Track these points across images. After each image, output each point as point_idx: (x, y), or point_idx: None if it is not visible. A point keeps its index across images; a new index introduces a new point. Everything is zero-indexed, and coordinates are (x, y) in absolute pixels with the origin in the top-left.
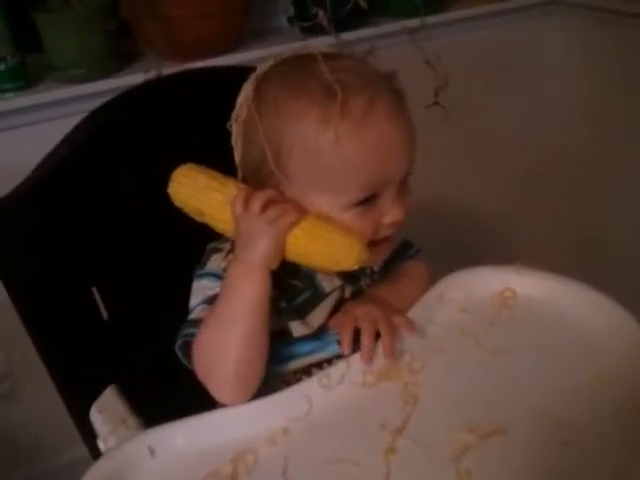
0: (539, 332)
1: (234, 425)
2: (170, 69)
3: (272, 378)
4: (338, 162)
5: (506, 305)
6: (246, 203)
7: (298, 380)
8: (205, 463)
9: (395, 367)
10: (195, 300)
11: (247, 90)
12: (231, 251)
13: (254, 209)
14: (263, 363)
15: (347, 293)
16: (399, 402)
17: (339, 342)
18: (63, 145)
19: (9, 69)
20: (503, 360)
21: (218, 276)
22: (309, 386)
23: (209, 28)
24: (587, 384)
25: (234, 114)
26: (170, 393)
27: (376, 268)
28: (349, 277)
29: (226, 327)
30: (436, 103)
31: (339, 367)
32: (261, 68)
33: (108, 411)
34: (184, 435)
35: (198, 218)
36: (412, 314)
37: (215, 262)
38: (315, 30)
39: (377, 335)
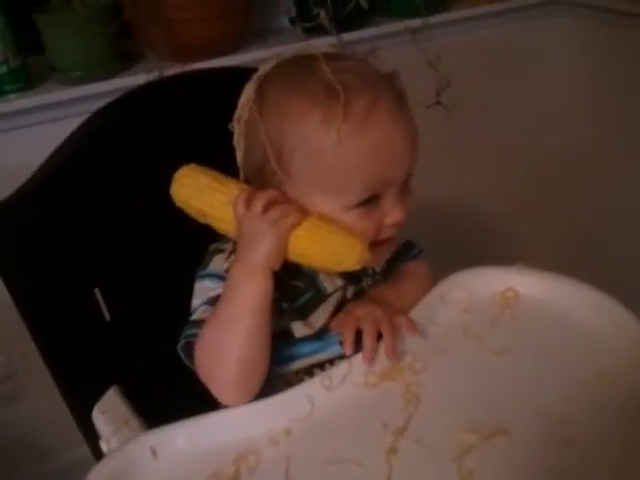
0: (541, 332)
1: (236, 426)
2: (171, 70)
3: (274, 379)
4: (340, 163)
5: (508, 305)
6: (248, 204)
7: (300, 381)
8: (207, 464)
9: (397, 367)
10: (197, 301)
11: (249, 91)
12: (233, 252)
13: (256, 210)
14: (265, 364)
15: (349, 293)
16: (401, 402)
17: (341, 343)
18: (66, 146)
19: (11, 70)
20: (505, 360)
21: (220, 277)
22: (311, 387)
23: (210, 30)
24: (589, 383)
25: (236, 115)
26: (172, 394)
27: (378, 268)
28: (351, 277)
29: (228, 328)
30: (438, 103)
31: (341, 367)
32: (263, 69)
33: (110, 412)
34: (186, 436)
35: (200, 219)
36: (414, 314)
37: (217, 263)
38: (317, 30)
39: (379, 336)
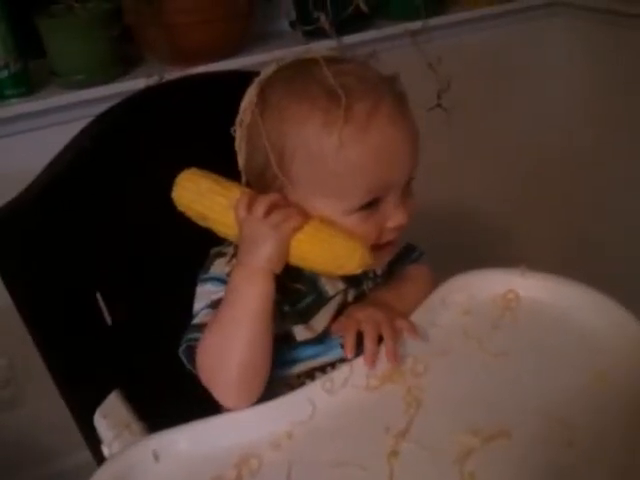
0: (542, 334)
1: (238, 429)
2: (172, 74)
3: (276, 382)
4: (342, 166)
5: (509, 307)
6: (250, 207)
7: (302, 384)
8: (209, 468)
9: (398, 370)
10: (199, 304)
11: (251, 95)
12: (235, 255)
13: (258, 213)
14: (267, 367)
15: (350, 297)
16: (402, 405)
17: (342, 346)
18: (68, 150)
19: (12, 75)
20: (506, 362)
21: (222, 280)
22: (313, 390)
23: (211, 33)
24: (589, 384)
25: (238, 119)
26: (174, 398)
27: (379, 272)
28: (352, 281)
29: (230, 331)
30: (438, 105)
31: (342, 371)
32: (264, 73)
33: (112, 416)
34: (188, 440)
35: (201, 222)
36: (415, 317)
37: (219, 266)
38: (317, 34)
39: (380, 339)
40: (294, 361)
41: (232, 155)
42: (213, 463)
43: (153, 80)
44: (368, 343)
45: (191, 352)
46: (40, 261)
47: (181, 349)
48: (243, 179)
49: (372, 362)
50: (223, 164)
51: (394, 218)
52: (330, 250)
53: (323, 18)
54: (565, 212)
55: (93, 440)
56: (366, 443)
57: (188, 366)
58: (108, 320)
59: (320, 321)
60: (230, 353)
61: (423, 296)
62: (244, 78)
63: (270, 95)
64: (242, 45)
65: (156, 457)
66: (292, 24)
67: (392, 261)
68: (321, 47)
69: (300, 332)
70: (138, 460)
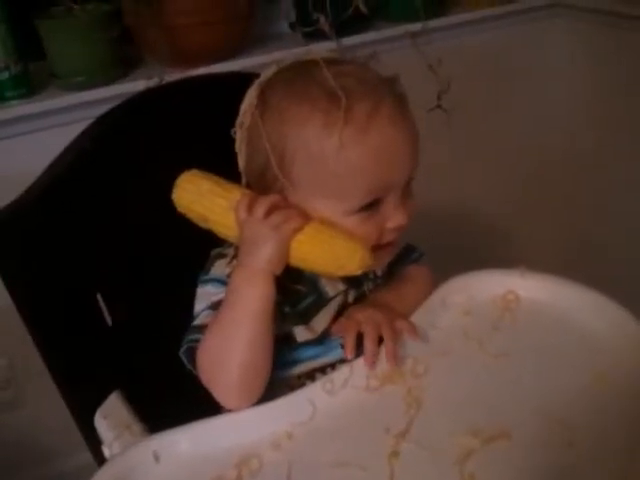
0: (542, 334)
1: (238, 430)
2: (172, 76)
3: (276, 383)
4: (342, 167)
5: (509, 308)
6: (250, 208)
7: (302, 385)
8: (210, 468)
9: (399, 371)
10: (199, 306)
11: (251, 96)
12: (235, 257)
13: (258, 214)
14: (267, 368)
15: (350, 298)
16: (403, 406)
17: (342, 346)
18: (69, 151)
19: (12, 77)
20: (506, 363)
21: (222, 282)
22: (313, 391)
23: (211, 35)
24: (590, 385)
25: (238, 120)
26: (174, 398)
27: (379, 272)
28: (352, 282)
29: (230, 332)
30: (438, 107)
31: (342, 371)
32: (264, 74)
33: (112, 417)
34: (189, 440)
35: (202, 224)
36: (415, 318)
37: (219, 268)
38: (317, 35)
39: (380, 339)
40: (294, 362)
41: (232, 157)
42: (213, 463)
43: (153, 82)
44: (368, 344)
45: (192, 353)
46: (40, 262)
47: (182, 350)
48: (243, 180)
49: (372, 363)
50: (223, 166)
51: (394, 219)
52: (330, 251)
53: (323, 20)
54: (566, 214)
55: (93, 441)
56: (366, 444)
57: (189, 367)
58: (108, 320)
59: (320, 322)
60: (231, 354)
61: (423, 297)
62: (244, 80)
63: (270, 97)
64: (242, 47)
65: (156, 458)
66: (292, 26)
67: (392, 262)
68: (321, 49)
69: (300, 333)
70: (139, 461)
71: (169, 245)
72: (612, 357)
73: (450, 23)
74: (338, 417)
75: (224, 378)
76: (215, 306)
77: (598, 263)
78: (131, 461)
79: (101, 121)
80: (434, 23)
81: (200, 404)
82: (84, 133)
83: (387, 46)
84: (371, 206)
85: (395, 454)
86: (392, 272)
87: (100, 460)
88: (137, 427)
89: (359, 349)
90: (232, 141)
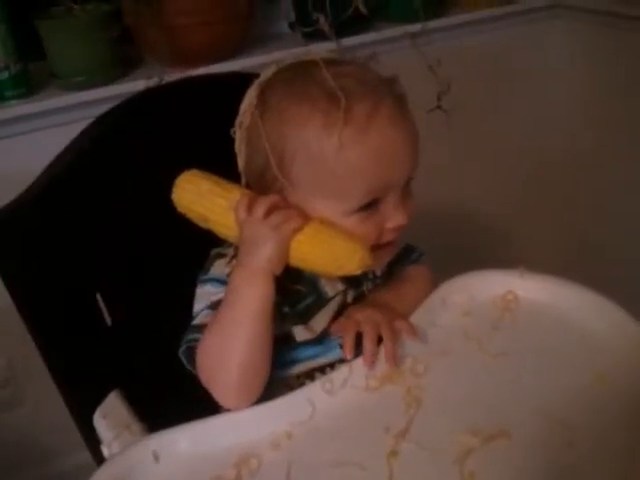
0: (541, 335)
1: (238, 429)
2: (172, 76)
3: (275, 382)
4: (341, 168)
5: (508, 308)
6: (250, 209)
7: (301, 384)
8: (209, 467)
9: (398, 370)
10: (199, 305)
11: (250, 96)
12: (235, 257)
13: (258, 215)
14: (267, 368)
15: (349, 298)
16: (402, 405)
17: (342, 346)
18: (68, 151)
19: (12, 76)
20: (506, 363)
21: (222, 281)
22: (312, 390)
23: (211, 35)
24: (589, 385)
25: (238, 120)
26: (174, 398)
27: (379, 272)
28: (352, 282)
29: (230, 332)
30: (438, 107)
31: (342, 371)
32: (264, 75)
33: (112, 416)
34: (188, 440)
35: (202, 224)
36: (415, 318)
37: (219, 267)
38: (316, 36)
39: (380, 339)
40: (294, 362)
41: (232, 157)
42: (213, 463)
43: (153, 82)
44: (367, 344)
45: (191, 353)
46: (40, 261)
47: (181, 350)
48: (243, 180)
49: (371, 363)
50: (223, 166)
51: (394, 219)
52: (330, 251)
53: (322, 20)
54: (566, 215)
55: (93, 440)
56: (366, 443)
57: (188, 367)
58: (108, 320)
59: (320, 322)
60: (230, 354)
61: (423, 297)
62: (244, 80)
63: (270, 97)
64: (242, 47)
65: (156, 457)
66: (291, 26)
67: (392, 262)
68: (321, 49)
69: (300, 333)
70: (138, 460)
71: (169, 245)
72: (611, 357)
73: (450, 24)
74: (337, 417)
75: (223, 378)
76: (214, 306)
77: (597, 263)
78: (130, 460)
79: (101, 121)
80: (434, 24)
81: (199, 404)
82: (84, 133)
83: (387, 47)
84: (370, 206)
85: (394, 453)
86: (392, 272)
87: (99, 459)
88: (136, 426)
89: (358, 349)
90: (232, 141)
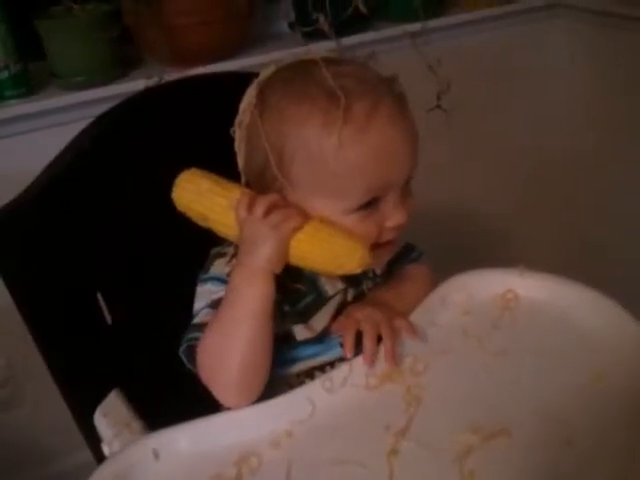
0: (541, 333)
1: (238, 428)
2: (172, 75)
3: (275, 381)
4: (341, 167)
5: (508, 307)
6: (249, 208)
7: (301, 383)
8: (209, 466)
9: (398, 369)
10: (199, 304)
11: (250, 96)
12: (235, 256)
13: (257, 214)
14: (267, 367)
15: (349, 296)
16: (402, 404)
17: (342, 345)
18: (68, 151)
19: (11, 76)
20: (505, 361)
21: (222, 280)
22: (312, 389)
23: (210, 35)
24: (588, 384)
25: (237, 119)
26: (174, 396)
27: (378, 271)
28: (351, 280)
29: (230, 331)
30: (438, 107)
31: (342, 370)
32: (264, 74)
33: (112, 415)
34: (188, 438)
35: (201, 223)
36: (415, 317)
37: (219, 267)
38: (316, 35)
39: (380, 338)
40: (294, 360)
41: (232, 156)
42: (213, 461)
43: (152, 81)
44: (367, 342)
45: (191, 352)
46: (40, 261)
47: (181, 349)
48: (243, 180)
49: (371, 361)
50: (223, 165)
51: (393, 217)
52: (330, 250)
53: (322, 19)
54: (566, 215)
55: (93, 439)
56: (366, 442)
57: (188, 365)
58: (108, 320)
59: (320, 321)
60: (230, 353)
61: (422, 296)
62: (243, 79)
63: (269, 96)
64: (241, 46)
65: (156, 455)
66: (291, 25)
67: (391, 261)
68: (320, 48)
69: (300, 332)
70: (138, 459)
71: (169, 244)
72: (611, 356)
73: (449, 23)
74: (337, 415)
75: (224, 376)
76: (215, 305)
77: (597, 263)
78: (131, 459)
79: (100, 120)
80: (433, 23)
81: (199, 402)
82: (83, 132)
83: (386, 46)
84: (370, 205)
85: (395, 452)
86: (391, 271)
87: (100, 458)
88: (137, 425)
89: (358, 348)
90: (231, 140)
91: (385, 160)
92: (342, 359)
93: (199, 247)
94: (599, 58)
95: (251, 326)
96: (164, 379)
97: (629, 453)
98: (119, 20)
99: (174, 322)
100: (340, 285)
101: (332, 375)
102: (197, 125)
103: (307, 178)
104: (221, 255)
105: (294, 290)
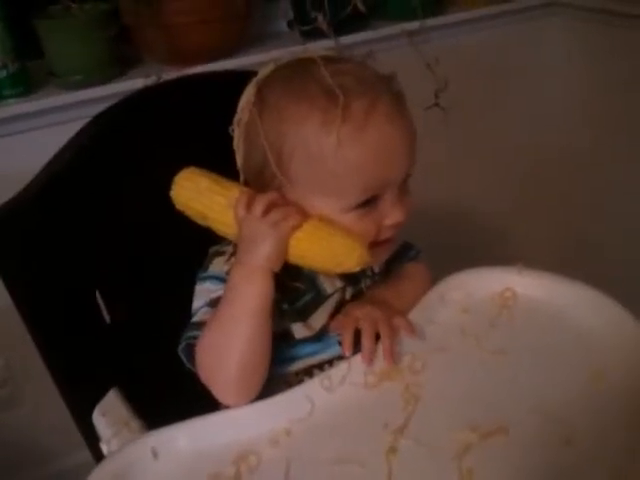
0: (539, 332)
1: (236, 426)
2: (170, 74)
3: (274, 379)
4: (340, 165)
5: (506, 305)
6: (248, 206)
7: (300, 381)
8: (208, 464)
9: (396, 367)
10: (198, 303)
11: (249, 94)
12: (233, 254)
13: (256, 212)
14: (266, 365)
15: (348, 295)
16: (401, 402)
17: (340, 343)
18: (67, 149)
19: (10, 75)
20: (503, 360)
21: (221, 279)
22: (311, 387)
23: (209, 34)
24: (586, 382)
25: (236, 118)
26: (172, 395)
27: (377, 269)
28: (350, 279)
29: (229, 330)
30: (436, 105)
31: (340, 368)
32: (262, 72)
33: (111, 414)
34: (187, 437)
35: (200, 221)
36: (413, 315)
37: (217, 265)
38: (315, 34)
39: (378, 336)
40: (292, 359)
41: (230, 154)
42: (212, 460)
43: (151, 80)
44: (365, 341)
45: (190, 350)
46: (39, 260)
47: (180, 347)
48: (241, 178)
49: (370, 360)
50: (221, 163)
51: (392, 216)
52: (329, 248)
53: (321, 18)
54: (563, 213)
55: (92, 439)
56: (364, 440)
57: (187, 364)
58: (107, 319)
59: (318, 319)
60: (229, 351)
61: (421, 294)
62: (241, 78)
63: (268, 95)
64: (240, 45)
65: (155, 454)
66: (290, 24)
67: (390, 259)
68: (319, 47)
69: (298, 330)
70: (137, 457)
71: (168, 243)
72: (609, 354)
73: (447, 22)
74: (336, 414)
75: (222, 375)
76: (214, 303)
77: (595, 262)
78: (129, 457)
79: (99, 119)
80: (431, 22)
81: (198, 401)
82: (82, 131)
83: (385, 45)
84: (369, 203)
85: (393, 450)
86: (390, 269)
87: (99, 457)
88: (135, 424)
89: (357, 346)
90: (230, 139)
91: (383, 158)
92: (341, 357)
93: (198, 246)
94: (596, 56)
95: (250, 324)
96: (163, 378)
97: (629, 453)
98: (117, 19)
99: (173, 321)
100: (339, 283)
101: (331, 373)
102: (196, 124)
103: (306, 176)
104: (220, 254)
105: (293, 288)
